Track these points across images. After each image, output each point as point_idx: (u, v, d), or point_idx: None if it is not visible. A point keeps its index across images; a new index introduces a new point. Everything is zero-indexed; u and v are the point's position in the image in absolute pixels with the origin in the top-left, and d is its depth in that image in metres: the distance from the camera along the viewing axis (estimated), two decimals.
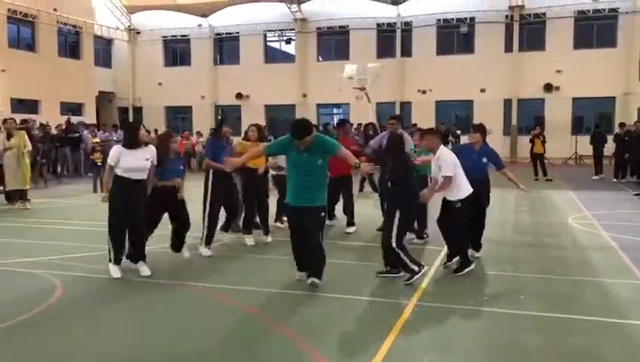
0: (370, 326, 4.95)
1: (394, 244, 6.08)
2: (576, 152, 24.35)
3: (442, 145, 6.78)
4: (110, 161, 6.38)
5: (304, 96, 29.72)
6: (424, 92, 28.03)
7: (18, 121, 14.63)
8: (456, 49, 28.20)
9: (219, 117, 31.11)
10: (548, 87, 26.43)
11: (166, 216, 7.19)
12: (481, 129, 7.46)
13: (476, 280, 6.46)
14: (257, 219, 8.36)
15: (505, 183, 7.72)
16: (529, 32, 27.14)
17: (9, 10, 25.03)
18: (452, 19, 27.64)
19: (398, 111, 27.92)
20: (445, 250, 7.04)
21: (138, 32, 32.48)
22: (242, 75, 30.13)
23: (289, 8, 28.88)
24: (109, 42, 32.66)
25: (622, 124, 19.12)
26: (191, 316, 5.23)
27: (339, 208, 9.63)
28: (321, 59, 30.44)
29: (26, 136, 12.25)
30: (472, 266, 6.56)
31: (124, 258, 6.51)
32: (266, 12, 29.66)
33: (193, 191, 8.08)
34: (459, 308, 5.44)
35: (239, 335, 4.75)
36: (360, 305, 5.57)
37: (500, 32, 27.19)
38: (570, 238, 8.89)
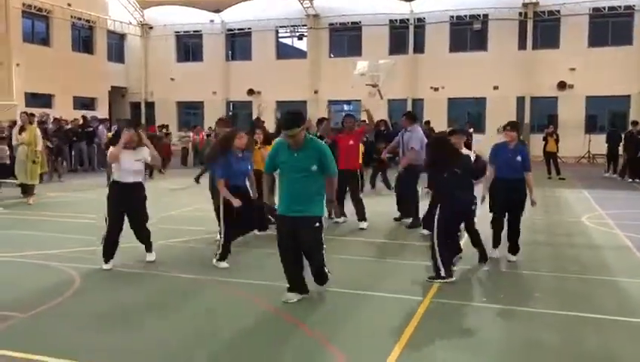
0: (386, 322, 4.95)
1: (436, 243, 6.13)
2: (589, 151, 24.18)
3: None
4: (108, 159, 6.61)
5: (315, 92, 29.71)
6: (436, 89, 27.91)
7: (37, 116, 14.77)
8: (469, 46, 28.05)
9: (229, 113, 31.28)
10: (561, 85, 26.24)
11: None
12: (516, 126, 7.41)
13: (491, 278, 6.45)
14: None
15: None
16: (543, 30, 26.94)
17: (24, 4, 25.25)
18: (465, 15, 27.50)
19: (410, 108, 27.88)
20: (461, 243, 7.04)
21: (151, 27, 32.64)
22: (254, 71, 30.18)
23: (301, 4, 28.89)
24: (121, 37, 32.84)
25: (635, 122, 18.91)
26: (204, 308, 5.27)
27: (348, 207, 9.57)
28: (333, 56, 30.40)
29: (38, 132, 12.21)
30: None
31: (111, 262, 6.60)
32: (278, 8, 29.70)
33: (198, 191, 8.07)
34: (474, 306, 5.44)
35: (259, 330, 4.77)
36: (375, 301, 5.58)
37: (513, 29, 27.01)
38: (585, 237, 8.84)
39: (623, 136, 18.53)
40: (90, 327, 4.79)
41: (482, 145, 12.52)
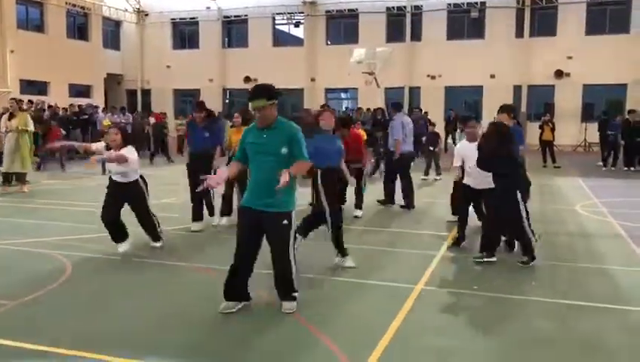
0: (377, 310, 4.97)
1: (526, 224, 6.33)
2: (585, 139, 24.18)
3: None
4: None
5: (312, 80, 29.60)
6: (433, 77, 27.82)
7: (25, 102, 14.61)
8: (467, 34, 27.91)
9: (226, 100, 31.17)
10: (558, 74, 26.19)
11: None
12: (507, 109, 7.48)
13: (484, 266, 6.47)
14: None
15: None
16: (540, 17, 26.83)
17: None
18: (462, 3, 27.35)
19: (407, 97, 27.85)
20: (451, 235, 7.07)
21: (147, 14, 32.38)
22: (250, 58, 30.00)
23: None
24: (117, 24, 32.61)
25: (631, 111, 18.84)
26: (195, 296, 5.27)
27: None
28: (329, 43, 30.26)
29: (29, 118, 12.04)
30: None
31: (122, 243, 6.70)
32: None
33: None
34: (466, 293, 5.46)
35: (248, 318, 4.77)
36: (368, 289, 5.58)
37: (510, 17, 26.88)
38: (579, 226, 8.87)
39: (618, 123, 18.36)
40: (77, 315, 4.80)
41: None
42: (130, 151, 6.49)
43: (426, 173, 14.35)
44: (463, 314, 4.98)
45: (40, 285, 5.45)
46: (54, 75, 26.11)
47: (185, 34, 32.76)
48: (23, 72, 24.73)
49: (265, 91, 4.64)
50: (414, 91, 28.31)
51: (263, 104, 4.56)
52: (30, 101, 20.07)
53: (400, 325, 4.58)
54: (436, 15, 27.80)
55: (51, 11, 26.72)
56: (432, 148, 14.57)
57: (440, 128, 19.74)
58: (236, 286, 4.81)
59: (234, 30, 32.26)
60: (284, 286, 4.82)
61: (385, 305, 5.07)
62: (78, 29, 29.14)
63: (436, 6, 27.64)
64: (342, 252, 6.19)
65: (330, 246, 6.20)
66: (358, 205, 9.30)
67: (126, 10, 31.87)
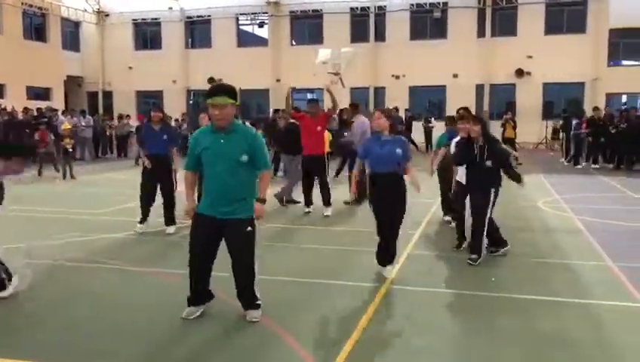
0: (344, 310, 4.95)
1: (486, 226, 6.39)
2: (546, 137, 24.73)
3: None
4: None
5: (278, 80, 29.45)
6: (398, 77, 28.06)
7: None
8: (430, 34, 28.24)
9: (190, 102, 30.78)
10: (519, 73, 26.72)
11: None
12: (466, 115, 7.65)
13: (448, 263, 6.53)
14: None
15: None
16: (501, 18, 27.32)
17: None
18: (425, 3, 27.65)
19: (372, 97, 28.00)
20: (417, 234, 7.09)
21: (107, 15, 31.74)
22: (214, 59, 29.70)
23: None
24: (76, 25, 31.86)
25: (596, 108, 19.22)
26: (156, 301, 5.17)
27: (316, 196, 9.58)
28: (294, 44, 30.19)
29: None
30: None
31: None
32: None
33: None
34: (433, 291, 5.49)
35: (214, 322, 4.70)
36: (334, 289, 5.57)
37: (472, 17, 27.30)
38: (540, 221, 9.04)
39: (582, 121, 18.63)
40: (36, 323, 4.64)
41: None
42: None
43: None
44: (429, 312, 5.00)
45: None
46: (11, 77, 25.33)
47: (147, 35, 32.23)
48: None
49: (228, 89, 4.45)
50: (379, 91, 28.49)
51: (225, 102, 4.33)
52: None
53: (367, 324, 4.57)
54: (399, 15, 28.04)
55: (7, 11, 25.92)
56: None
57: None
58: (198, 292, 4.68)
59: (197, 31, 31.89)
60: (248, 297, 4.66)
61: (352, 305, 5.05)
62: (36, 29, 28.35)
63: (399, 6, 27.87)
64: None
65: (295, 248, 6.15)
66: (327, 202, 9.36)
67: (85, 10, 31.17)
